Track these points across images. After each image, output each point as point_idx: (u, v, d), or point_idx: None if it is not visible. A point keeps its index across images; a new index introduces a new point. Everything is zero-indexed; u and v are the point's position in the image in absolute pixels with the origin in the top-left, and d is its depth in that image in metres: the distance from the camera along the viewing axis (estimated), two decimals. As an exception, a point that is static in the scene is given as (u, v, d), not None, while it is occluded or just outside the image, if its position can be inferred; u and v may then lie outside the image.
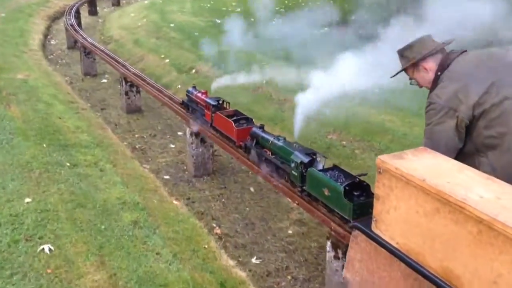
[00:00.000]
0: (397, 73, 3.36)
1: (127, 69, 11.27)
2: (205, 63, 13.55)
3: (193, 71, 13.44)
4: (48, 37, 19.53)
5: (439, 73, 3.09)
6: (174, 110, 8.82)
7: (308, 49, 12.40)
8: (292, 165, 5.28)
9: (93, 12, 25.11)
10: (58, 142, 7.73)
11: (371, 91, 10.17)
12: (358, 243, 2.05)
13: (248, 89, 11.51)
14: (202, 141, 8.11)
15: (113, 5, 28.58)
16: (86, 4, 24.89)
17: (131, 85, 11.27)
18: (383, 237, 1.91)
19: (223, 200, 7.51)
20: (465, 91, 2.88)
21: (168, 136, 10.17)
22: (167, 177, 8.26)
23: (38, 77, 11.58)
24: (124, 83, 11.22)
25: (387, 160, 1.88)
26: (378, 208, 1.94)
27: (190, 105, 8.27)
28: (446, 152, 2.61)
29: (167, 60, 14.46)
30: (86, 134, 8.44)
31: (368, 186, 4.57)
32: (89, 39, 14.66)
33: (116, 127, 10.60)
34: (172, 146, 9.63)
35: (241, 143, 6.61)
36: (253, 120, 6.91)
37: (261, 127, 6.39)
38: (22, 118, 8.59)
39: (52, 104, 9.77)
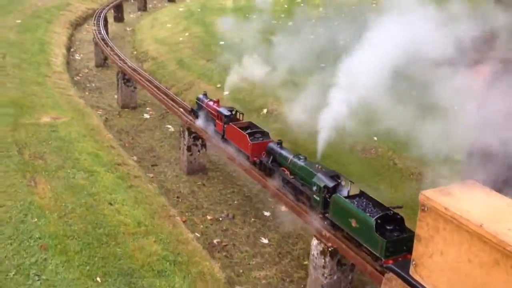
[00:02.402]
0: None
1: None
2: (279, 100, 10.59)
3: (265, 111, 10.50)
4: (71, 49, 16.57)
5: None
6: (286, 203, 5.83)
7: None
8: (314, 188, 4.83)
9: (119, 18, 22.20)
10: (118, 264, 4.82)
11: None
12: (392, 287, 1.78)
13: (354, 149, 8.55)
14: (340, 263, 5.14)
15: (139, 10, 25.64)
16: (111, 9, 21.94)
17: (196, 138, 8.32)
18: (423, 284, 1.59)
19: None
20: None
21: (252, 220, 7.22)
22: (280, 316, 5.31)
23: (70, 120, 8.64)
24: (186, 134, 8.26)
25: (433, 197, 1.57)
26: (419, 250, 1.64)
27: (199, 114, 7.73)
28: None
29: (226, 93, 11.46)
30: (153, 237, 5.53)
31: (402, 219, 4.13)
32: (128, 62, 11.70)
33: (179, 200, 7.65)
34: (264, 241, 6.70)
35: (255, 158, 6.10)
36: (269, 134, 6.41)
37: (279, 143, 5.92)
38: (55, 207, 5.67)
39: (95, 173, 6.84)
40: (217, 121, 7.05)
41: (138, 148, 9.53)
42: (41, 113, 8.70)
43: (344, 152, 8.43)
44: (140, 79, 10.51)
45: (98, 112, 11.01)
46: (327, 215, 4.78)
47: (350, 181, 4.79)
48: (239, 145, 6.55)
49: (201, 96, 8.01)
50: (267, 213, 7.38)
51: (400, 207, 4.43)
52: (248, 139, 6.29)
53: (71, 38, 17.82)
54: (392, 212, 4.22)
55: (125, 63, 11.66)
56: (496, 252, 1.44)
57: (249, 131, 6.48)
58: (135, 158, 8.89)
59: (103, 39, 14.14)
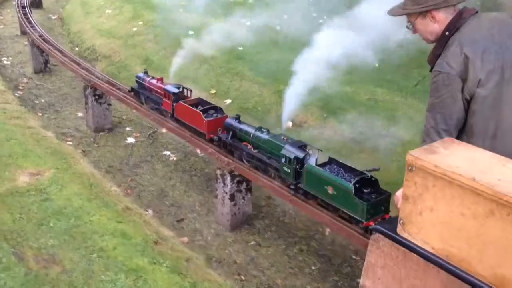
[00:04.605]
0: (401, 15, 2.90)
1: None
2: (305, 108, 8.59)
3: (290, 124, 8.44)
4: (-5, 52, 13.30)
5: (447, 33, 2.76)
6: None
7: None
8: (283, 160, 4.98)
9: (37, 3, 18.67)
10: None
11: None
12: (379, 248, 1.75)
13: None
14: None
15: (55, -10, 21.98)
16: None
17: (240, 182, 6.22)
18: (413, 241, 1.64)
19: None
20: (474, 63, 2.60)
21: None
22: None
23: (57, 174, 6.17)
24: (229, 180, 6.11)
25: (422, 156, 1.56)
26: (406, 209, 1.63)
27: (142, 93, 7.38)
28: (455, 128, 2.70)
29: (228, 101, 9.33)
30: None
31: (376, 181, 4.36)
32: (97, 71, 9.13)
33: (241, 278, 5.61)
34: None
35: (212, 136, 6.16)
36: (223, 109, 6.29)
37: (237, 118, 6.02)
38: None
39: (142, 273, 4.63)
40: (164, 99, 6.60)
41: (145, 194, 7.19)
42: (13, 169, 6.09)
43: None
44: (119, 96, 7.99)
45: (68, 142, 8.42)
46: (299, 185, 4.88)
47: (319, 150, 4.94)
48: (192, 123, 6.40)
49: (141, 74, 7.44)
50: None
51: (377, 169, 4.47)
52: (203, 117, 6.16)
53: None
54: (369, 175, 4.33)
55: (92, 73, 9.04)
56: (490, 202, 1.42)
57: (201, 108, 6.36)
58: (150, 212, 6.62)
59: (44, 39, 11.19)
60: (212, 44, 11.75)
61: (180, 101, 6.54)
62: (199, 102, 6.66)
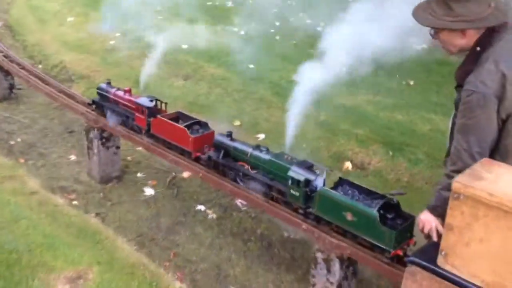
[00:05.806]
0: (432, 27, 2.65)
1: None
2: (362, 144, 7.28)
3: (348, 165, 7.12)
4: None
5: (478, 48, 2.60)
6: None
7: None
8: (290, 182, 4.54)
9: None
10: None
11: None
12: (417, 281, 1.68)
13: None
14: None
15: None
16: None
17: (347, 266, 4.82)
18: (458, 274, 1.58)
19: None
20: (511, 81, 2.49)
21: None
22: None
23: (101, 274, 4.50)
24: (337, 267, 4.70)
25: (471, 183, 1.53)
26: (450, 239, 1.61)
27: (106, 107, 6.44)
28: (489, 149, 2.56)
29: (261, 136, 7.86)
30: None
31: (398, 204, 4.02)
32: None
33: None
34: None
35: (198, 154, 5.58)
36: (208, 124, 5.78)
37: (229, 135, 5.41)
38: None
39: None
40: (136, 114, 5.89)
41: (199, 276, 5.57)
42: (43, 274, 4.30)
43: None
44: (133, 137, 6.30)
45: (72, 200, 6.61)
46: (310, 210, 4.50)
47: (326, 169, 4.65)
48: (174, 140, 5.80)
49: (103, 85, 6.53)
50: None
51: (403, 194, 4.42)
52: (188, 133, 5.58)
53: None
54: (394, 200, 4.03)
55: (87, 112, 7.19)
56: None
57: (183, 123, 5.76)
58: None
59: (11, 60, 9.10)
60: (214, 61, 10.17)
61: (157, 116, 5.94)
62: (178, 116, 6.02)
